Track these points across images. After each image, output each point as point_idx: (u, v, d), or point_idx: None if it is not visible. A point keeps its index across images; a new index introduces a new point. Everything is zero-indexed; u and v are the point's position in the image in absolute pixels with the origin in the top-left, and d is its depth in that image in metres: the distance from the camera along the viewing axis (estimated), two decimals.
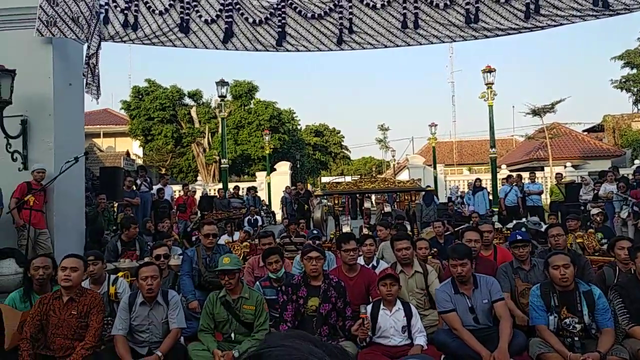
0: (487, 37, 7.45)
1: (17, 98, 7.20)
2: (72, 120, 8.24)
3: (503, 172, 21.41)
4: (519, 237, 4.97)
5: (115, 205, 10.71)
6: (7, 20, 7.68)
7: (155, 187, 12.72)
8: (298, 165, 32.56)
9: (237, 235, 10.07)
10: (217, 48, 7.70)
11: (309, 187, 26.96)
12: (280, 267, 5.14)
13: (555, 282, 4.08)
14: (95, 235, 8.70)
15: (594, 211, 9.47)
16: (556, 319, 4.01)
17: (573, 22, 7.15)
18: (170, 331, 4.38)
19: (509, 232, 8.58)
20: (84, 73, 7.80)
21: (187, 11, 7.66)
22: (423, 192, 11.31)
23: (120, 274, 5.63)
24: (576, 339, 3.93)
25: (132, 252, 6.93)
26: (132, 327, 4.38)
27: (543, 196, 14.42)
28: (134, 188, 11.30)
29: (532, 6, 7.06)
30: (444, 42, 7.62)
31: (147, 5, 7.70)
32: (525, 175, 14.77)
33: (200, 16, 7.68)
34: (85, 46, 8.22)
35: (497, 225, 9.11)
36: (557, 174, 15.35)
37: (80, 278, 4.34)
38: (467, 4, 7.23)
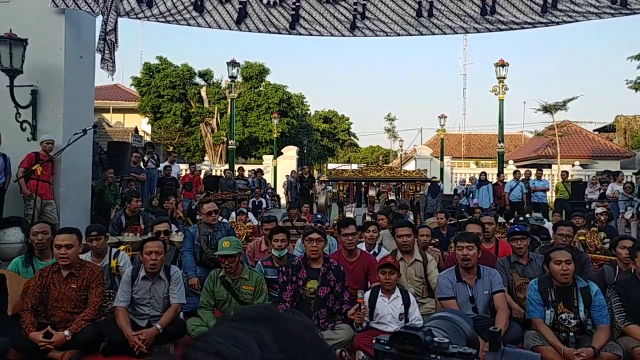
0: (500, 30, 7.37)
1: (28, 68, 7.24)
2: (82, 93, 8.27)
3: (510, 168, 21.32)
4: (517, 230, 5.00)
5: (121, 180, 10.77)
6: None
7: (162, 165, 12.77)
8: (305, 151, 32.56)
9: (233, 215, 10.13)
10: (230, 29, 7.67)
11: (315, 173, 27.01)
12: (285, 246, 5.21)
13: (555, 277, 4.08)
14: (102, 210, 8.78)
15: (599, 210, 9.44)
16: (552, 314, 4.03)
17: (589, 20, 7.07)
18: (170, 306, 4.44)
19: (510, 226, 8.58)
20: (100, 48, 7.80)
21: None
22: (428, 183, 11.30)
23: (122, 247, 5.69)
24: (571, 334, 3.96)
25: (136, 227, 6.99)
26: (133, 300, 4.43)
27: (548, 194, 14.38)
28: (141, 164, 11.36)
29: (549, 0, 6.97)
30: (457, 33, 7.55)
31: None
32: (533, 171, 14.73)
33: None
34: (97, 20, 8.23)
35: (501, 219, 9.11)
36: (562, 171, 15.30)
37: (76, 253, 4.35)
38: None
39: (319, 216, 7.89)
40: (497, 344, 1.15)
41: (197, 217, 9.61)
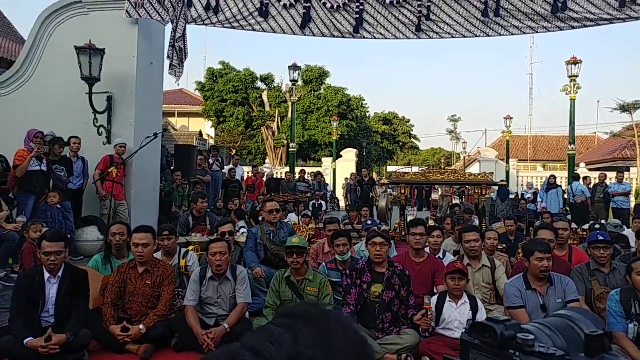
0: (573, 28, 7.02)
1: (105, 75, 7.66)
2: (151, 98, 8.65)
3: (581, 171, 20.31)
4: (600, 238, 4.68)
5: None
6: (100, 2, 8.16)
7: (226, 168, 13.11)
8: (364, 153, 32.46)
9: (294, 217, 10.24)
10: (294, 34, 7.78)
11: (375, 175, 26.85)
12: (347, 250, 5.21)
13: (638, 289, 3.82)
14: (165, 209, 9.14)
15: None
16: (636, 328, 3.76)
17: None
18: (237, 305, 4.53)
19: (584, 233, 8.16)
20: (170, 55, 8.14)
21: None
22: (497, 187, 10.95)
23: (191, 247, 5.86)
24: None
25: (202, 227, 7.19)
26: (201, 299, 4.54)
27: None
28: (206, 167, 11.71)
29: None
30: (525, 33, 7.31)
31: None
32: (608, 175, 13.92)
33: (279, 0, 7.78)
34: (167, 27, 8.58)
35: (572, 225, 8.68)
36: None
37: (151, 251, 4.60)
38: None
39: (369, 222, 7.82)
40: (595, 349, 1.04)
41: (260, 218, 9.80)
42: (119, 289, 4.45)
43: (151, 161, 8.58)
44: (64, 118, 7.92)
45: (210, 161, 12.22)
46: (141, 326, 4.23)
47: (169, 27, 8.45)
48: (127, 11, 7.75)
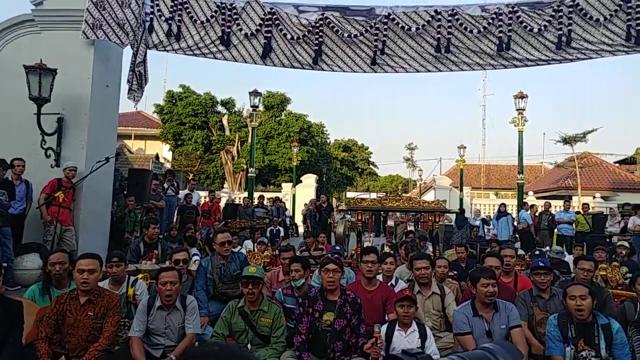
0: (516, 66, 7.53)
1: (56, 96, 7.45)
2: (106, 121, 8.46)
3: (529, 199, 21.05)
4: (540, 264, 4.90)
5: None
6: (54, 21, 8.00)
7: (182, 192, 12.87)
8: (324, 179, 32.67)
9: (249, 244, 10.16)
10: (255, 63, 7.92)
11: (334, 201, 27.02)
12: (300, 276, 5.18)
13: (571, 313, 4.00)
14: (116, 235, 8.87)
15: (620, 244, 9.22)
16: (572, 351, 3.91)
17: (603, 57, 7.21)
18: (185, 336, 4.41)
19: (530, 259, 8.44)
20: (129, 79, 8.06)
21: (228, 24, 7.89)
22: (455, 215, 11.20)
23: (140, 275, 5.69)
24: None
25: (153, 254, 7.00)
26: (148, 330, 4.38)
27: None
28: (160, 191, 11.46)
29: (564, 38, 7.14)
30: (474, 69, 7.72)
31: (190, 15, 7.94)
32: (558, 203, 14.50)
33: (240, 29, 7.89)
34: (126, 50, 8.50)
35: (520, 252, 8.96)
36: (583, 204, 15.04)
37: (97, 279, 4.31)
38: (500, 32, 7.34)
39: (337, 247, 7.85)
40: None
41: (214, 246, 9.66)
42: (56, 322, 4.12)
43: (103, 185, 8.34)
44: (8, 139, 7.64)
45: (165, 186, 11.98)
46: None
47: (127, 50, 8.38)
48: (83, 32, 7.61)
